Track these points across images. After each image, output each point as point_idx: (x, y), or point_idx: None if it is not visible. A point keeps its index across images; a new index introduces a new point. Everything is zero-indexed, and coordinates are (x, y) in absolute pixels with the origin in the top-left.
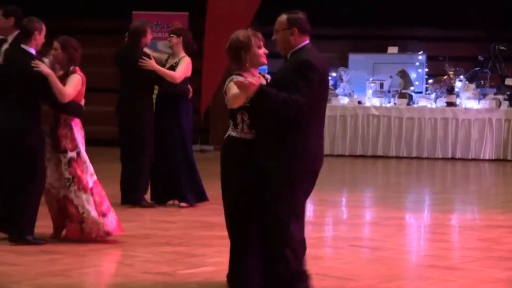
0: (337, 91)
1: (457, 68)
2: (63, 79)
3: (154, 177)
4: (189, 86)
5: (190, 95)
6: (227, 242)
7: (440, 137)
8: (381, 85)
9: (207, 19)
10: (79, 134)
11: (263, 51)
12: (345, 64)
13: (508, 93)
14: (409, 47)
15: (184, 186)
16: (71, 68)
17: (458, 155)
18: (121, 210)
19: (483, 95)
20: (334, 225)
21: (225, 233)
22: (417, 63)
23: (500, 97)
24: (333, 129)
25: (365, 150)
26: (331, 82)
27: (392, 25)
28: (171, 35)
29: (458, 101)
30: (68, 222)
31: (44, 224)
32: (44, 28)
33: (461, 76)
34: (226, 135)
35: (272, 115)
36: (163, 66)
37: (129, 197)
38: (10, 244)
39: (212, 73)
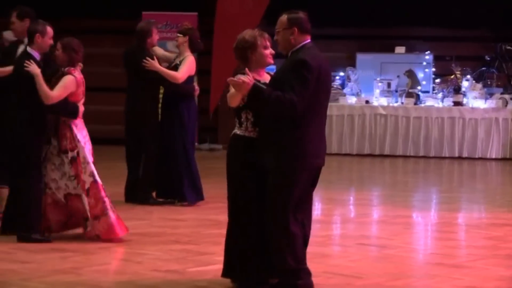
0: (344, 90)
1: (464, 68)
2: (59, 79)
3: (155, 176)
4: (194, 84)
5: (197, 93)
6: None
7: (447, 136)
8: (389, 85)
9: (216, 19)
10: (79, 134)
11: (269, 51)
12: (352, 64)
13: None
14: (416, 47)
15: (184, 186)
16: (66, 69)
17: (465, 154)
18: (130, 208)
19: (490, 95)
20: (342, 223)
21: None
22: (424, 63)
23: (507, 96)
24: (340, 128)
25: (373, 149)
26: (338, 82)
27: (400, 25)
28: (178, 34)
29: (465, 100)
30: (72, 219)
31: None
32: (48, 30)
33: (468, 76)
34: (232, 133)
35: (268, 114)
36: (171, 65)
37: (137, 195)
38: (18, 242)
39: (221, 73)
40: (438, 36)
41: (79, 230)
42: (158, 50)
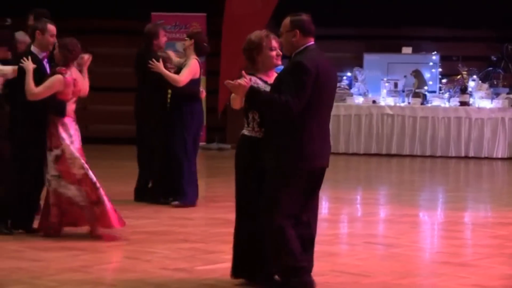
0: (352, 90)
1: (470, 68)
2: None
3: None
4: (200, 88)
5: (203, 96)
6: None
7: (454, 136)
8: (396, 85)
9: (224, 19)
10: (64, 133)
11: (275, 52)
12: (360, 64)
13: None
14: (423, 47)
15: (181, 188)
16: (58, 68)
17: (471, 154)
18: (139, 207)
19: (496, 95)
20: (349, 222)
21: None
22: (431, 63)
23: None
24: (348, 128)
25: (380, 148)
26: (346, 82)
27: (407, 25)
28: (186, 38)
29: (471, 100)
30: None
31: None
32: (49, 28)
33: (474, 76)
34: (241, 133)
35: (266, 115)
36: (179, 69)
37: (145, 194)
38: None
39: (229, 73)
40: (445, 36)
41: (87, 229)
42: (173, 57)
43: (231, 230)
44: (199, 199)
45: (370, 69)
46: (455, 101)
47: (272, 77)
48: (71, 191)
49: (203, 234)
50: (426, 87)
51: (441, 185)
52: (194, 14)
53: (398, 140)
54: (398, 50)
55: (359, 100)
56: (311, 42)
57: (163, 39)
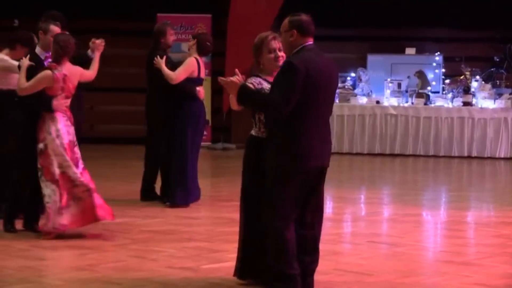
0: (356, 91)
1: (473, 69)
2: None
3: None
4: (198, 88)
5: (201, 97)
6: None
7: (457, 136)
8: (399, 85)
9: (229, 19)
10: (52, 127)
11: (273, 55)
12: (363, 65)
13: None
14: (426, 48)
15: (174, 187)
16: (48, 63)
17: (474, 154)
18: (145, 206)
19: (499, 95)
20: (353, 221)
21: None
22: (434, 64)
23: None
24: (352, 128)
25: (383, 148)
26: (350, 82)
27: (410, 26)
28: (191, 38)
29: (474, 100)
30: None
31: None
32: (51, 28)
33: (477, 76)
34: (249, 134)
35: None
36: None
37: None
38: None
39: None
40: (448, 37)
41: (93, 227)
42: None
43: (236, 229)
44: (204, 199)
45: (373, 70)
46: (458, 101)
47: None
48: (47, 191)
49: (208, 233)
50: (429, 88)
51: (444, 185)
52: (200, 15)
53: (402, 140)
54: (402, 51)
55: (363, 100)
56: (310, 42)
57: (170, 37)
